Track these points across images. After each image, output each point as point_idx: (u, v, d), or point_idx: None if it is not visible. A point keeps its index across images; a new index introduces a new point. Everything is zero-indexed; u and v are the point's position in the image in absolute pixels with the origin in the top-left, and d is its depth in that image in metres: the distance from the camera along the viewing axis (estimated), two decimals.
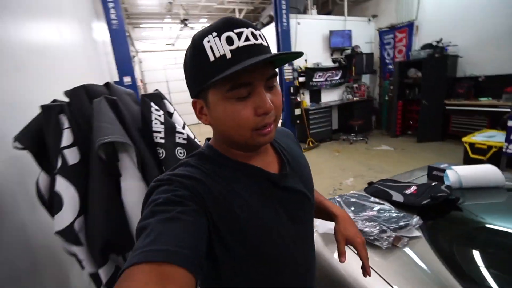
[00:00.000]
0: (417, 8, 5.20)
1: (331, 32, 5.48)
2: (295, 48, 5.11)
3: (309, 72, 5.35)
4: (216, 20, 0.41)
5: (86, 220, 0.74)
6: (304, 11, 5.50)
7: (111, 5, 3.46)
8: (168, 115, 0.88)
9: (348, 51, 5.77)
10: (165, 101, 0.94)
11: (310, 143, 5.27)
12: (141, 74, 8.79)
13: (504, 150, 3.00)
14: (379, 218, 1.06)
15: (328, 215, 0.67)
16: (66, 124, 0.71)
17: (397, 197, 1.22)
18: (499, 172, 1.23)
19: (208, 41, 0.39)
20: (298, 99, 5.23)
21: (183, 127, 0.90)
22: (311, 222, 0.58)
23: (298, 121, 5.21)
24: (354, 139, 5.37)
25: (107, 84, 0.86)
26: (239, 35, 0.39)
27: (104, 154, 0.70)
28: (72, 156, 0.71)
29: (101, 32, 3.90)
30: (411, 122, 5.47)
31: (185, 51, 0.45)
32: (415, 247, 0.93)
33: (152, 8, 6.82)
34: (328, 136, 5.66)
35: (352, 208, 1.16)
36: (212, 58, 0.39)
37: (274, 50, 4.99)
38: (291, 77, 5.07)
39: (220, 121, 0.43)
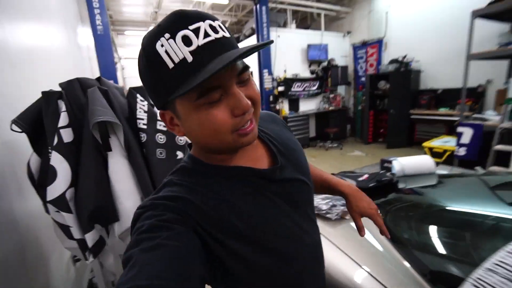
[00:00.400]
0: (385, 26, 5.72)
1: (309, 46, 5.87)
2: (275, 60, 5.41)
3: (288, 82, 5.67)
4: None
5: (76, 192, 0.86)
6: (284, 25, 5.86)
7: (97, 10, 3.56)
8: (151, 105, 1.04)
9: (325, 64, 6.18)
10: None
11: None
12: (123, 80, 8.76)
13: (455, 153, 3.36)
14: (333, 197, 1.26)
15: (335, 192, 0.67)
16: (63, 108, 0.84)
17: (350, 182, 1.43)
18: (432, 161, 1.49)
19: (162, 45, 0.34)
20: (277, 107, 5.50)
21: None
22: (311, 204, 0.56)
23: None
24: (330, 145, 5.69)
25: (98, 78, 1.00)
26: (196, 31, 0.34)
27: (98, 133, 0.84)
28: (67, 135, 0.84)
29: (85, 37, 3.97)
30: (381, 130, 5.90)
31: (138, 63, 0.39)
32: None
33: (137, 16, 6.93)
34: (306, 142, 5.94)
35: None
36: (171, 65, 0.34)
37: (255, 60, 5.28)
38: (271, 86, 5.35)
39: (196, 131, 0.39)
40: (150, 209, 0.38)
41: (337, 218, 1.13)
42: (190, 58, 0.34)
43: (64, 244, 1.01)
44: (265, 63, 5.23)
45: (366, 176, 1.47)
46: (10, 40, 1.23)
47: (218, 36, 0.35)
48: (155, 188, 0.98)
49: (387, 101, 5.54)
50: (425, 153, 3.88)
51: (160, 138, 1.00)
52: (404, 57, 5.24)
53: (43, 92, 0.86)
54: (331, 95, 6.36)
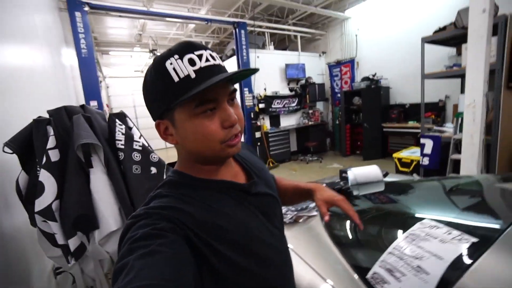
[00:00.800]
0: (356, 47, 6.23)
1: (287, 65, 6.26)
2: (255, 79, 5.72)
3: (268, 99, 5.97)
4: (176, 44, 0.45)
5: (60, 203, 1.00)
6: (263, 47, 6.25)
7: (81, 35, 3.74)
8: (128, 128, 1.21)
9: (303, 81, 6.57)
10: (127, 118, 1.27)
11: (271, 163, 5.73)
12: (107, 99, 8.82)
13: (421, 163, 3.65)
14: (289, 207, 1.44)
15: (305, 194, 0.71)
16: (51, 132, 1.00)
17: None
18: (379, 170, 1.72)
19: (171, 63, 0.42)
20: (258, 123, 5.75)
21: (140, 138, 1.23)
22: (279, 216, 0.62)
23: (259, 144, 5.69)
24: (310, 159, 5.95)
25: (82, 106, 1.17)
26: (199, 56, 0.43)
27: (81, 153, 1.00)
28: (54, 155, 0.99)
29: (69, 57, 4.11)
30: (358, 143, 6.25)
31: (145, 75, 0.46)
32: (311, 222, 1.31)
33: (121, 37, 7.16)
34: (287, 157, 6.19)
35: None
36: (176, 79, 0.41)
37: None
38: (252, 103, 5.62)
39: (189, 138, 0.45)
40: (143, 218, 0.40)
41: (290, 221, 1.31)
42: (193, 75, 0.42)
43: (48, 253, 1.13)
44: (245, 82, 5.52)
45: (323, 185, 1.68)
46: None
47: (216, 62, 0.45)
48: (131, 199, 1.14)
49: (361, 116, 5.93)
50: (395, 164, 4.19)
51: (136, 156, 1.17)
52: (374, 75, 5.69)
53: (34, 120, 1.02)
54: (310, 111, 6.71)
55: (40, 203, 0.96)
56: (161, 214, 0.41)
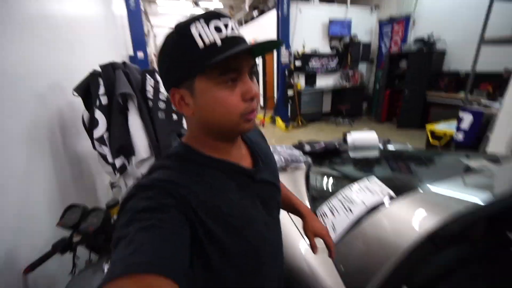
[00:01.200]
0: (415, 2, 5.43)
1: (331, 21, 5.84)
2: (293, 35, 5.53)
3: (306, 57, 5.81)
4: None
5: (109, 134, 1.43)
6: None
7: None
8: (156, 82, 1.54)
9: (346, 40, 6.12)
10: (156, 73, 1.60)
11: (300, 122, 5.86)
12: (155, 47, 9.39)
13: (454, 137, 3.44)
14: (288, 155, 1.69)
15: (296, 212, 0.75)
16: (101, 82, 1.38)
17: (307, 148, 1.86)
18: (376, 137, 1.84)
19: (196, 28, 0.40)
20: (292, 81, 5.75)
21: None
22: (279, 209, 0.63)
23: (290, 102, 5.78)
24: (341, 121, 5.91)
25: (124, 63, 1.52)
26: (225, 25, 0.41)
27: (120, 99, 1.38)
28: (104, 99, 1.39)
29: (119, 8, 4.50)
30: (397, 110, 5.91)
31: (165, 39, 0.44)
32: (296, 174, 1.56)
33: None
34: (317, 117, 6.21)
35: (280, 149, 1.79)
36: (201, 45, 0.40)
37: (271, 35, 5.45)
38: (287, 60, 5.56)
39: (208, 107, 0.43)
40: (148, 189, 0.40)
41: (279, 169, 1.59)
42: (219, 43, 0.40)
43: (104, 169, 1.62)
44: (283, 39, 5.40)
45: (322, 145, 1.89)
46: (65, 15, 1.77)
47: (239, 34, 0.44)
48: (156, 137, 1.52)
49: (405, 81, 5.49)
50: (426, 136, 4.00)
51: (162, 105, 1.52)
52: (430, 35, 5.04)
53: (90, 73, 1.40)
54: (350, 72, 6.38)
55: (97, 133, 1.39)
56: (166, 188, 0.40)
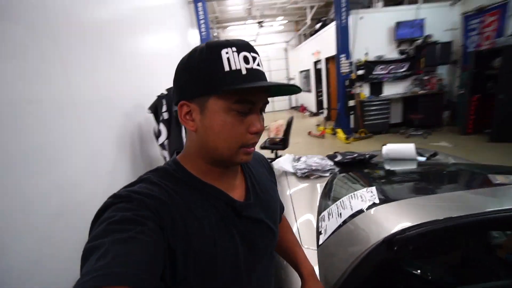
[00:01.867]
0: None
1: (398, 24, 5.42)
2: (354, 43, 5.38)
3: (369, 65, 5.53)
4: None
5: (168, 141, 1.85)
6: (369, 5, 5.61)
7: (202, 21, 4.84)
8: None
9: (419, 41, 5.53)
10: None
11: (362, 134, 5.54)
12: None
13: None
14: (314, 164, 1.78)
15: (296, 269, 0.69)
16: (164, 102, 1.83)
17: (338, 158, 1.89)
18: (413, 149, 1.71)
19: (227, 53, 0.42)
20: (353, 91, 5.53)
21: None
22: (271, 253, 0.58)
23: (352, 112, 5.56)
24: (413, 133, 5.27)
25: None
26: (253, 58, 0.44)
27: (176, 114, 1.79)
28: (165, 115, 1.83)
29: (193, 37, 5.41)
30: (490, 119, 4.90)
31: (191, 53, 0.45)
32: (319, 181, 1.63)
33: (236, 12, 8.19)
34: (384, 128, 5.71)
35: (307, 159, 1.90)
36: (227, 68, 0.41)
37: (333, 46, 5.45)
38: (347, 70, 5.42)
39: (213, 129, 0.43)
40: (125, 201, 0.39)
41: (302, 176, 1.69)
42: (244, 72, 0.42)
43: None
44: (342, 49, 5.33)
45: (354, 155, 1.88)
46: (148, 51, 2.37)
47: (263, 70, 0.46)
48: None
49: (499, 84, 4.54)
50: None
51: None
52: None
53: (158, 96, 1.88)
54: (425, 77, 5.68)
55: (160, 140, 1.84)
56: (144, 201, 0.39)
